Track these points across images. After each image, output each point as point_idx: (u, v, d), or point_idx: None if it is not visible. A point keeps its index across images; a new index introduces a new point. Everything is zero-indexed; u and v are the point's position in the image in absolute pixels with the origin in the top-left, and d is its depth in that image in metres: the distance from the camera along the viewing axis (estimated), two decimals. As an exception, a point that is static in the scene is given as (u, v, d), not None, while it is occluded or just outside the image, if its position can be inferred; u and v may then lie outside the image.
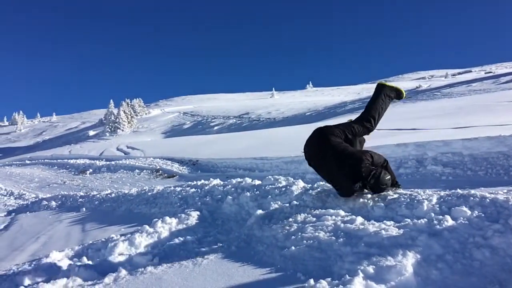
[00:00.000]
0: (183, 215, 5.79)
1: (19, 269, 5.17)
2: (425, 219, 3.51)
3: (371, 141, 11.72)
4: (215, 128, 49.85)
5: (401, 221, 3.68)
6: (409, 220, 3.61)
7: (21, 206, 11.95)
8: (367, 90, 57.58)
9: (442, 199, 3.91)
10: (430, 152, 8.58)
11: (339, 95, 60.56)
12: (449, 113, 18.23)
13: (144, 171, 17.11)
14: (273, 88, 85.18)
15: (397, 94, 5.04)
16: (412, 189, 4.55)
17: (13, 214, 11.16)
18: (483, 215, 3.42)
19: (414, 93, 39.54)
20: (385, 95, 4.93)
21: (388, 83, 5.08)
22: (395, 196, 4.26)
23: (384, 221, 3.74)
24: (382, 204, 4.12)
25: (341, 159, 4.29)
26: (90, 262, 4.57)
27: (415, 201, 3.97)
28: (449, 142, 8.55)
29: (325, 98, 58.72)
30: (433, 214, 3.61)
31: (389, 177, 4.33)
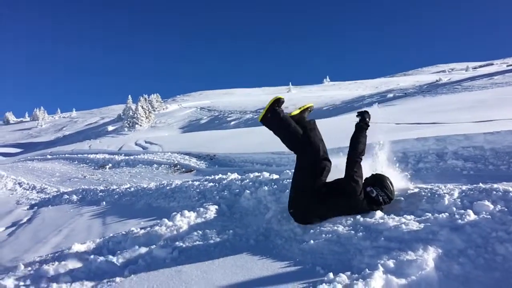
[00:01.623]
0: (201, 209, 5.83)
1: (43, 260, 5.29)
2: (447, 214, 3.46)
3: (389, 135, 11.62)
4: (232, 123, 49.91)
5: (421, 215, 3.64)
6: (430, 214, 3.57)
7: (43, 200, 12.19)
8: (385, 84, 56.87)
9: (464, 193, 3.85)
10: (450, 146, 8.43)
11: (357, 89, 59.91)
12: (470, 107, 17.88)
13: (162, 165, 17.25)
14: (290, 83, 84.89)
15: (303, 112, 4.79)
16: (433, 184, 4.49)
17: (36, 207, 11.41)
18: (506, 209, 3.35)
19: (434, 86, 38.90)
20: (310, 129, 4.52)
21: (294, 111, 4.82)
22: (416, 190, 4.21)
23: (404, 216, 3.71)
24: (402, 199, 4.08)
25: (335, 201, 4.01)
26: (110, 255, 4.65)
27: (436, 195, 3.91)
28: (471, 136, 8.38)
29: (343, 92, 58.21)
30: (454, 209, 3.56)
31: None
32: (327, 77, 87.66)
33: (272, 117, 4.49)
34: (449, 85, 38.15)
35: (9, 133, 79.52)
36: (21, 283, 4.14)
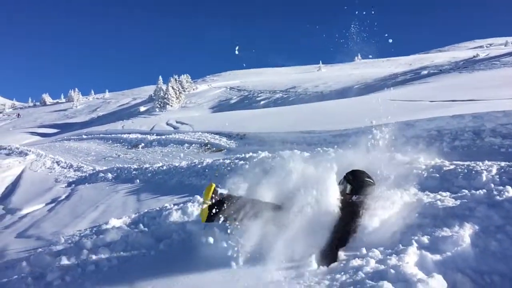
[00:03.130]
0: (232, 186, 5.88)
1: (82, 234, 5.52)
2: (484, 190, 3.37)
3: (424, 113, 11.33)
4: (262, 102, 49.72)
5: (457, 192, 3.56)
6: (466, 191, 3.49)
7: (80, 178, 12.63)
8: (419, 60, 55.04)
9: (502, 170, 3.74)
10: (488, 124, 8.15)
11: (390, 67, 58.26)
12: (509, 83, 17.17)
13: (193, 145, 17.49)
14: (320, 61, 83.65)
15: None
16: (470, 161, 4.37)
17: (73, 185, 11.85)
18: (546, 186, 3.23)
19: (470, 62, 37.45)
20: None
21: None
22: (451, 167, 4.11)
23: (440, 192, 3.63)
24: (437, 175, 4.00)
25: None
26: (146, 229, 4.79)
27: (473, 172, 3.81)
28: (510, 113, 8.08)
29: (375, 70, 56.76)
30: (492, 185, 3.46)
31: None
32: (359, 54, 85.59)
33: (219, 209, 3.69)
34: (487, 61, 36.62)
35: (46, 114, 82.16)
36: (62, 255, 4.32)
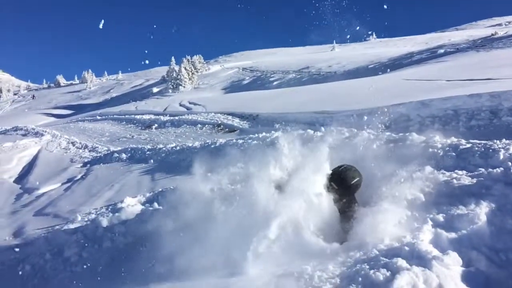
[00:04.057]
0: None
1: (98, 212, 5.61)
2: (501, 168, 3.31)
3: (440, 92, 11.13)
4: (275, 83, 49.30)
5: (474, 170, 3.50)
6: (483, 169, 3.43)
7: (95, 158, 12.79)
8: (436, 39, 53.78)
9: (520, 148, 3.66)
10: (506, 103, 7.98)
11: (405, 46, 57.06)
12: (528, 62, 16.73)
13: (206, 125, 17.53)
14: (334, 41, 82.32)
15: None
16: (487, 140, 4.29)
17: (88, 165, 12.02)
18: None
19: (488, 41, 36.50)
20: None
21: None
22: (468, 146, 4.05)
23: (456, 171, 3.58)
24: (454, 154, 3.94)
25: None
26: (160, 207, 4.84)
27: (490, 150, 3.75)
28: (529, 92, 7.90)
29: (390, 49, 55.69)
30: (509, 163, 3.40)
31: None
32: (373, 34, 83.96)
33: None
34: (505, 39, 35.64)
35: (60, 95, 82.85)
36: (79, 232, 4.41)
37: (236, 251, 3.01)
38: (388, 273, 2.29)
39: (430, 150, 4.18)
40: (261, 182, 3.55)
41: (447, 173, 3.54)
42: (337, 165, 3.66)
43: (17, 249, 4.84)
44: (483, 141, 4.12)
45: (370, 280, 2.29)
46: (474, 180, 3.24)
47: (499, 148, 3.73)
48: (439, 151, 4.10)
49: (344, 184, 3.47)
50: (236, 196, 3.84)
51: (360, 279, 2.35)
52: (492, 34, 44.53)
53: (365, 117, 10.94)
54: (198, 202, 4.24)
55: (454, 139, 4.35)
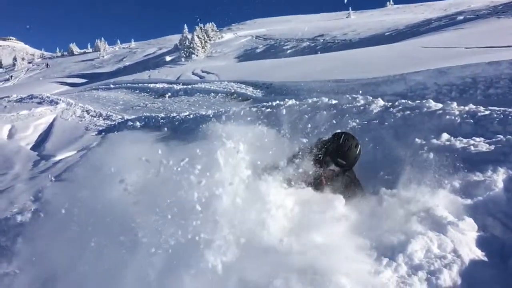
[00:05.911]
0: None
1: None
2: (521, 135, 3.25)
3: (458, 60, 10.87)
4: (288, 51, 48.66)
5: (492, 137, 3.45)
6: (501, 136, 3.37)
7: (110, 126, 12.92)
8: (455, 5, 52.04)
9: (540, 116, 3.58)
10: (527, 70, 7.78)
11: (423, 12, 55.47)
12: (552, 28, 16.16)
13: (219, 94, 17.48)
14: (350, 8, 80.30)
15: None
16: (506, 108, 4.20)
17: (103, 133, 12.16)
18: None
19: (510, 7, 35.21)
20: None
21: None
22: (487, 112, 3.97)
23: (473, 138, 3.53)
24: (471, 121, 3.87)
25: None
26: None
27: (510, 117, 3.67)
28: (551, 59, 7.66)
29: (407, 16, 54.20)
30: (529, 130, 3.33)
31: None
32: (391, 0, 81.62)
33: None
34: (529, 5, 34.38)
35: (74, 64, 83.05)
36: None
37: None
38: (402, 237, 2.29)
39: (447, 117, 4.10)
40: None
41: (465, 140, 3.49)
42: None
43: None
44: (502, 108, 4.03)
45: (385, 244, 2.30)
46: (492, 147, 3.19)
47: (519, 115, 3.65)
48: (456, 118, 4.02)
49: (350, 158, 2.96)
50: None
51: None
52: (514, 0, 42.78)
53: (381, 86, 10.82)
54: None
55: (472, 106, 4.27)
